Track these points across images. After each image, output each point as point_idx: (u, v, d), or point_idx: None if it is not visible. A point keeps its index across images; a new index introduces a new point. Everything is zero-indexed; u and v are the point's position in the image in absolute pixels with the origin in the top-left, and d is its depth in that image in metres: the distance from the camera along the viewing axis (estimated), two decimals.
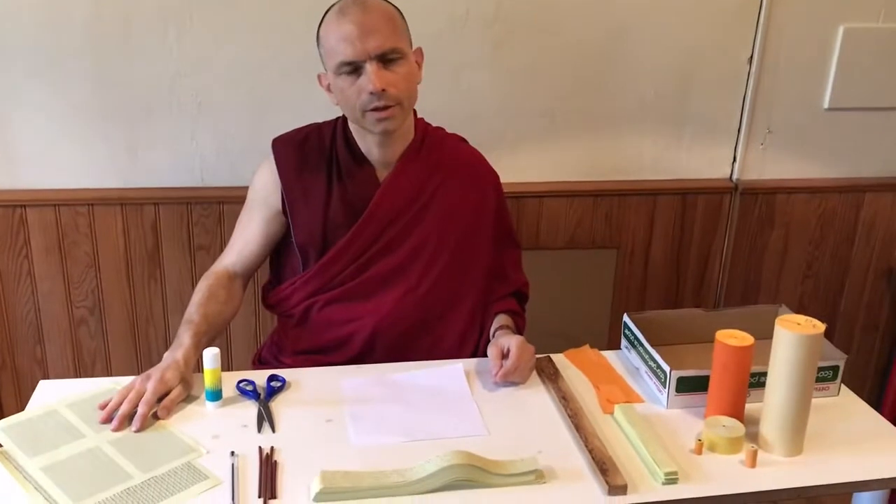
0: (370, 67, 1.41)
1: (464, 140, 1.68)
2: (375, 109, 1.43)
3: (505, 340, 1.46)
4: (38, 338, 2.08)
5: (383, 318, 1.54)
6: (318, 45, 1.48)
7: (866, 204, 2.26)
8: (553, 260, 2.19)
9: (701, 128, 2.16)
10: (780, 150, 2.20)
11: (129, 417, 1.28)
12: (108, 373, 2.12)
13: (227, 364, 2.15)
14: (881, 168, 2.26)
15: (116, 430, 1.26)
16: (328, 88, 1.50)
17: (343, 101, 1.47)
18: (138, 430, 1.26)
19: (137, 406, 1.28)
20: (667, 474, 1.17)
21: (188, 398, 1.36)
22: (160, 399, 1.31)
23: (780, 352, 1.22)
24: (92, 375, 2.09)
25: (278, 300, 1.61)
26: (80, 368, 2.12)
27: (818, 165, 2.23)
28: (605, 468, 1.18)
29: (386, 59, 1.42)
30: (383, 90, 1.41)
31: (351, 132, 1.55)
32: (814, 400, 1.31)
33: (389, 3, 1.47)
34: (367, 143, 1.53)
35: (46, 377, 2.07)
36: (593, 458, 1.21)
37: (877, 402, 2.45)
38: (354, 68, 1.42)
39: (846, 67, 2.12)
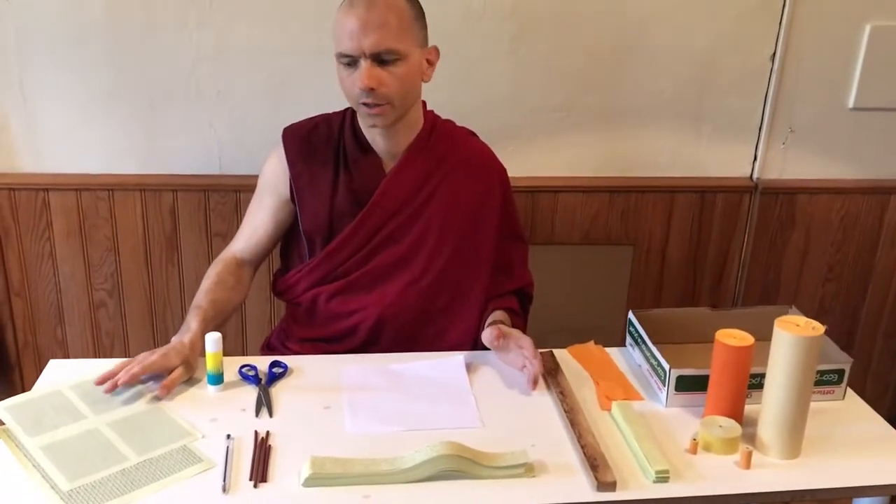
0: (364, 64, 1.42)
1: (473, 134, 1.68)
2: (365, 105, 1.45)
3: (507, 329, 1.46)
4: (59, 319, 2.13)
5: (387, 308, 1.55)
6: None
7: (891, 206, 2.21)
8: (567, 255, 2.18)
9: (721, 125, 2.13)
10: (803, 149, 2.16)
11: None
12: (126, 354, 2.15)
13: (242, 350, 2.18)
14: None
15: (106, 390, 1.30)
16: None
17: (343, 90, 1.49)
18: (109, 390, 1.30)
19: (135, 376, 1.32)
20: (658, 472, 1.17)
21: (191, 381, 1.39)
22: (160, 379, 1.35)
23: (778, 353, 1.21)
24: (110, 357, 2.14)
25: (286, 287, 1.63)
26: (98, 350, 2.16)
27: (841, 166, 2.19)
28: (595, 464, 1.18)
29: (381, 59, 1.42)
30: (372, 89, 1.42)
31: (359, 123, 1.57)
32: (817, 403, 1.30)
33: None
34: (372, 134, 1.55)
35: (67, 357, 2.13)
36: (585, 453, 1.21)
37: None
38: (352, 61, 1.43)
39: (872, 66, 2.08)
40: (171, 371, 1.35)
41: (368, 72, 1.41)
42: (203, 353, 1.41)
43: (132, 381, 1.32)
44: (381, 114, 1.46)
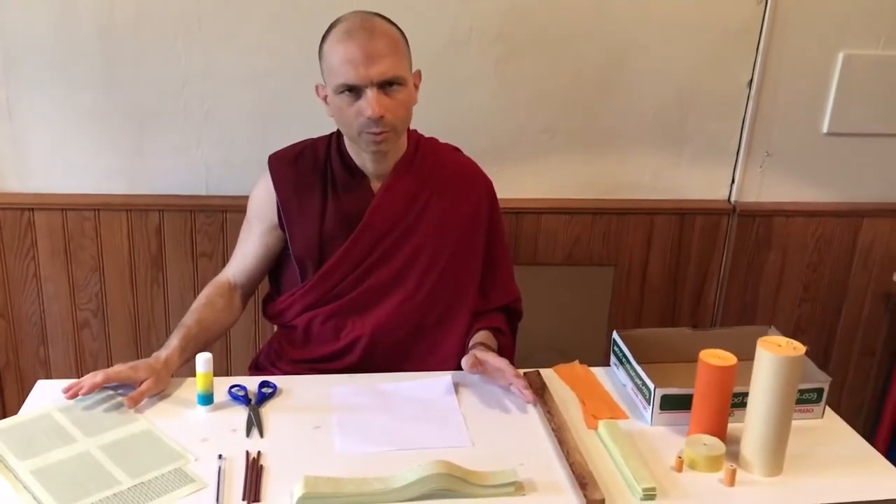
0: (371, 93, 1.43)
1: (457, 149, 1.71)
2: (371, 133, 1.46)
3: (483, 355, 1.47)
4: (42, 338, 2.12)
5: (382, 325, 1.57)
6: (319, 58, 1.52)
7: (864, 228, 2.27)
8: (550, 276, 2.21)
9: (700, 149, 2.18)
10: (779, 173, 2.22)
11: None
12: None
13: (226, 370, 2.18)
14: (879, 193, 2.27)
15: (69, 397, 1.34)
16: (325, 100, 1.53)
17: (340, 119, 1.51)
18: (72, 396, 1.34)
19: (97, 384, 1.36)
20: (645, 490, 1.19)
21: (174, 400, 1.40)
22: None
23: (760, 373, 1.24)
24: None
25: (278, 311, 1.64)
26: (82, 370, 2.15)
27: (816, 189, 2.25)
28: (584, 482, 1.20)
29: (386, 86, 1.45)
30: (381, 117, 1.44)
31: (345, 146, 1.59)
32: (797, 422, 1.33)
33: (395, 26, 1.50)
34: (362, 158, 1.57)
35: (49, 378, 2.10)
36: (573, 472, 1.23)
37: (872, 427, 2.44)
38: (355, 91, 1.45)
39: (845, 93, 2.14)
40: (139, 383, 1.38)
41: (377, 100, 1.43)
42: (177, 371, 1.45)
43: (94, 390, 1.36)
44: (386, 139, 1.48)
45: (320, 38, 1.52)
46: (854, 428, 1.41)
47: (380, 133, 1.46)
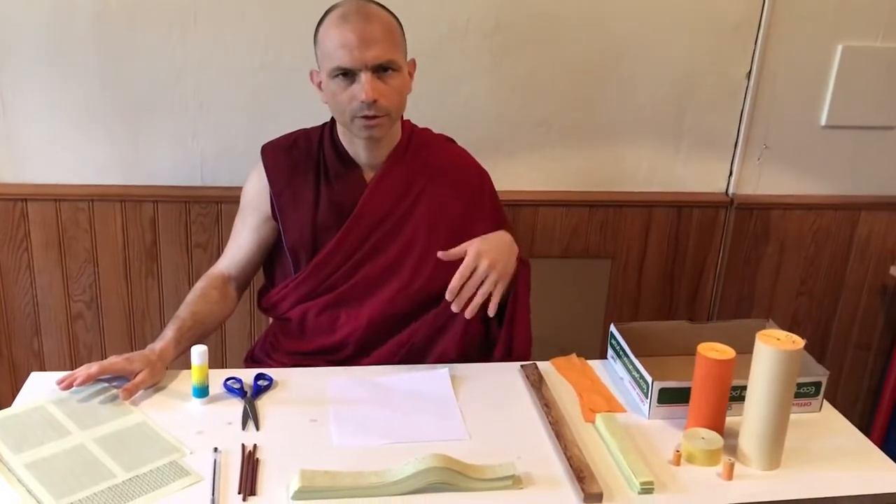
0: (365, 77, 1.43)
1: (451, 140, 1.71)
2: (364, 118, 1.46)
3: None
4: (35, 330, 2.11)
5: (377, 316, 1.56)
6: (314, 42, 1.51)
7: (861, 222, 2.27)
8: (547, 268, 2.20)
9: (698, 142, 2.18)
10: (777, 165, 2.22)
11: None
12: None
13: (221, 362, 2.17)
14: (877, 186, 2.27)
15: (63, 388, 1.33)
16: (319, 86, 1.53)
17: (333, 104, 1.50)
18: (66, 387, 1.32)
19: (92, 375, 1.34)
20: (642, 484, 1.19)
21: (169, 392, 1.39)
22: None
23: (759, 366, 1.23)
24: None
25: (272, 303, 1.63)
26: (76, 362, 2.14)
27: (814, 182, 2.25)
28: (581, 476, 1.20)
29: (381, 71, 1.44)
30: (375, 101, 1.44)
31: (338, 135, 1.58)
32: (795, 415, 1.32)
33: (390, 13, 1.50)
34: (355, 147, 1.56)
35: (43, 370, 2.10)
36: (571, 465, 1.22)
37: (868, 421, 2.45)
38: (349, 75, 1.45)
39: (844, 86, 2.14)
40: (133, 375, 1.36)
41: (371, 84, 1.43)
42: (172, 364, 1.45)
43: (89, 381, 1.34)
44: (379, 125, 1.48)
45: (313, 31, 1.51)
46: (849, 421, 1.41)
47: (373, 118, 1.46)
